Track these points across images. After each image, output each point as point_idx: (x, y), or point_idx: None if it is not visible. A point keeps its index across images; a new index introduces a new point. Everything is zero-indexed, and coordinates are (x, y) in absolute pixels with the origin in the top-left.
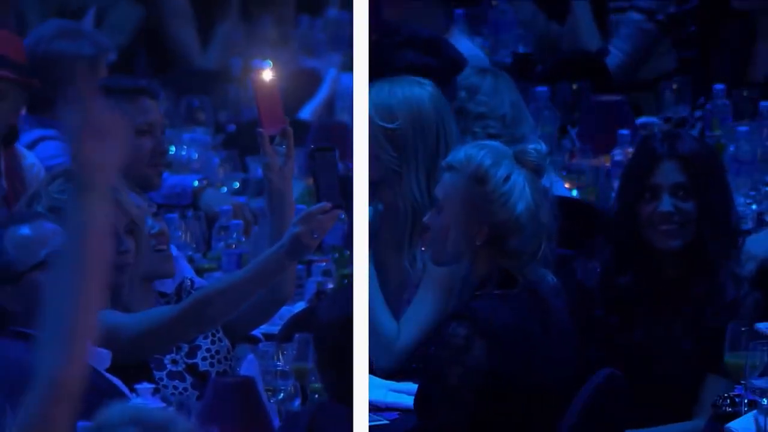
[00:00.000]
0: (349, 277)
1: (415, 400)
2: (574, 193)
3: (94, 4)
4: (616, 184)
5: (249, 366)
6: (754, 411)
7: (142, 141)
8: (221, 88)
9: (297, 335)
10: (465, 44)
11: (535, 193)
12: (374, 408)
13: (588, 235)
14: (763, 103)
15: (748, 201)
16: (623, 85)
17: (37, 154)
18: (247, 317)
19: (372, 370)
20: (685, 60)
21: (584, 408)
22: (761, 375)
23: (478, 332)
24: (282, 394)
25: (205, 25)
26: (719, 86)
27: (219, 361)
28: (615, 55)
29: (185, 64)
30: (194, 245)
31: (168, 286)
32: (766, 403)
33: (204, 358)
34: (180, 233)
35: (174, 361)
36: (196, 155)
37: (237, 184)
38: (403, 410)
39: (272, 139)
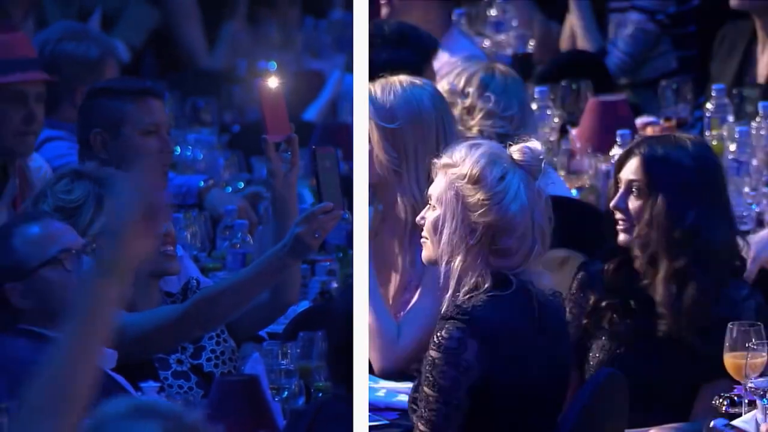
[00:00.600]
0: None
1: (409, 401)
2: (574, 193)
3: (111, 6)
4: None
5: (254, 364)
6: (754, 411)
7: (148, 141)
8: (226, 88)
9: (301, 334)
10: (465, 44)
11: (529, 194)
12: (374, 408)
13: (588, 235)
14: (763, 103)
15: (748, 201)
16: (623, 85)
17: (44, 155)
18: (252, 320)
19: (372, 371)
20: (685, 60)
21: (584, 408)
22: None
23: (471, 333)
24: (286, 393)
25: (211, 26)
26: (719, 86)
27: (224, 362)
28: (615, 55)
29: (191, 65)
30: (199, 245)
31: (174, 286)
32: (766, 403)
33: (209, 359)
34: (185, 233)
35: (179, 361)
36: (201, 155)
37: (242, 185)
38: (403, 410)
39: (277, 145)
